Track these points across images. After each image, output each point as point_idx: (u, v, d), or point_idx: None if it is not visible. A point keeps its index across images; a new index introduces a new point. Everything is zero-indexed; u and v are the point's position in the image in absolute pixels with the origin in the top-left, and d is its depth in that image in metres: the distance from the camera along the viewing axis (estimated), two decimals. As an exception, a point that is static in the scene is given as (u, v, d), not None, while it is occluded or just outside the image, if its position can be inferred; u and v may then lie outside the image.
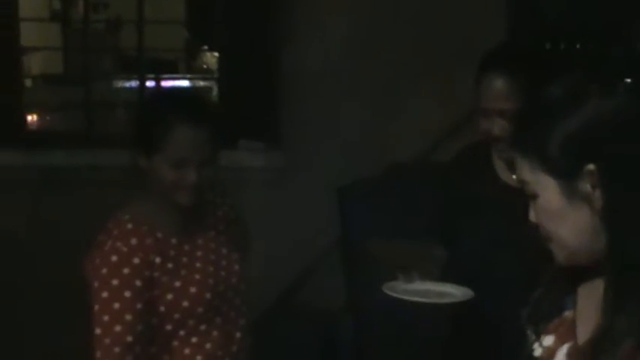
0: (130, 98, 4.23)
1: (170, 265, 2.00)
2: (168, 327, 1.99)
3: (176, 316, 1.99)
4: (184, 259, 2.03)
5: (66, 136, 4.10)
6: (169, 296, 1.98)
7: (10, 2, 3.86)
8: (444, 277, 2.08)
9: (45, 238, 3.70)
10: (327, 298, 3.50)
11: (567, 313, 1.26)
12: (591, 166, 1.16)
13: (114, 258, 1.95)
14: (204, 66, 5.63)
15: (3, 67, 3.84)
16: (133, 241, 1.97)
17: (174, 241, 2.03)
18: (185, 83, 5.30)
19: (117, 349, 1.91)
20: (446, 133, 3.46)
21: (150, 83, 4.18)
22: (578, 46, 4.02)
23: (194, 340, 2.02)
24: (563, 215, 1.20)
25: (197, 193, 1.99)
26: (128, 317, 1.92)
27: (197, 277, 2.03)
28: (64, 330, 3.38)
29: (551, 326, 1.26)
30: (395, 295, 2.00)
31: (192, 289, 2.01)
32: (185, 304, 1.99)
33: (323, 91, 3.71)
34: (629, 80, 2.09)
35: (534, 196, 1.23)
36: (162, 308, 1.98)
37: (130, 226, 1.99)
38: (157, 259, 1.98)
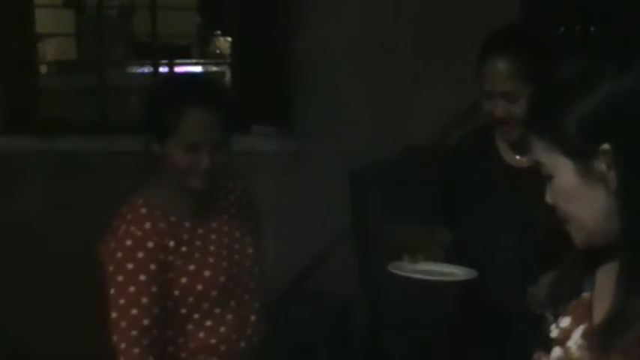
0: (143, 84, 4.24)
1: (184, 249, 2.01)
2: (183, 310, 2.00)
3: (190, 299, 2.00)
4: (198, 243, 2.04)
5: (80, 122, 4.12)
6: (183, 280, 1.99)
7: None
8: (448, 259, 2.11)
9: (59, 224, 3.72)
10: (341, 281, 3.51)
11: (585, 295, 1.25)
12: (606, 146, 1.15)
13: (128, 242, 1.96)
14: (217, 51, 5.61)
15: (19, 54, 3.86)
16: (147, 225, 1.98)
17: (187, 224, 2.04)
18: (198, 69, 5.30)
19: (134, 333, 1.92)
20: (459, 116, 3.45)
21: (163, 69, 4.18)
22: (592, 28, 4.00)
23: (208, 323, 2.03)
24: (579, 196, 1.19)
25: (209, 178, 1.99)
26: (144, 300, 1.93)
27: (211, 260, 2.04)
28: (79, 314, 3.41)
29: (569, 308, 1.26)
30: (400, 272, 2.03)
31: (207, 273, 2.02)
32: (199, 287, 2.00)
33: (336, 75, 3.70)
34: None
35: (550, 177, 1.22)
36: (176, 292, 1.99)
37: (143, 210, 2.00)
38: (171, 243, 1.99)
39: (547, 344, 1.25)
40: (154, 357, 1.93)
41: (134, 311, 1.92)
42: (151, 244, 1.96)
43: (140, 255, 1.95)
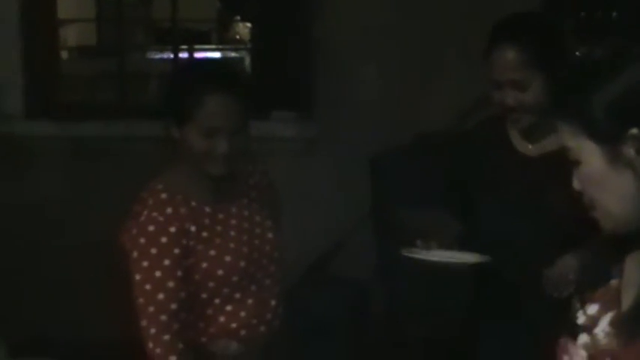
0: (163, 69, 4.25)
1: (205, 234, 2.01)
2: (204, 295, 2.01)
3: (211, 284, 2.00)
4: (219, 228, 2.04)
5: (100, 107, 4.13)
6: (204, 265, 1.99)
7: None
8: (461, 247, 2.12)
9: (79, 208, 3.74)
10: (358, 267, 3.51)
11: (613, 282, 1.24)
12: (635, 131, 1.14)
13: (151, 228, 1.96)
14: (237, 37, 5.61)
15: (41, 39, 3.87)
16: (169, 210, 1.98)
17: (208, 209, 2.04)
18: (218, 54, 5.30)
19: (163, 317, 1.92)
20: (478, 104, 3.42)
21: (183, 54, 4.18)
22: (614, 14, 3.95)
23: (229, 308, 2.03)
24: (606, 181, 1.18)
25: (228, 163, 1.99)
26: (170, 284, 1.94)
27: (231, 245, 2.03)
28: (98, 300, 3.43)
29: (597, 295, 1.25)
30: (414, 255, 2.05)
31: (227, 258, 2.01)
32: (220, 272, 2.00)
33: (355, 61, 3.69)
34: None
35: (577, 163, 1.21)
36: (197, 277, 1.99)
37: (164, 195, 2.00)
38: (192, 228, 1.99)
39: (573, 330, 1.25)
40: (182, 343, 1.93)
41: (161, 296, 1.92)
42: (173, 229, 1.96)
43: (164, 240, 1.95)
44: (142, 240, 1.96)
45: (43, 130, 3.82)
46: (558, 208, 1.99)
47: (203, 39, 5.35)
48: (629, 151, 1.15)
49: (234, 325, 2.03)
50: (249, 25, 4.50)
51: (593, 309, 1.24)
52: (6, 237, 3.73)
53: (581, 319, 1.25)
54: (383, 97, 3.69)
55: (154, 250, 1.94)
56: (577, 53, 2.00)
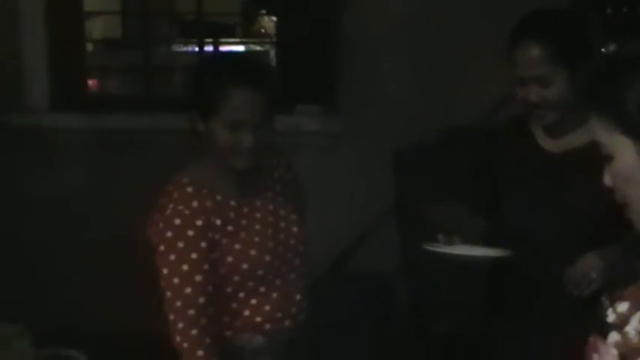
0: (188, 62, 4.25)
1: (230, 228, 2.01)
2: (228, 289, 2.01)
3: (236, 278, 2.00)
4: (244, 222, 2.04)
5: (125, 99, 4.14)
6: (229, 259, 1.99)
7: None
8: (485, 243, 2.11)
9: (104, 200, 3.75)
10: (382, 261, 3.50)
11: None
12: None
13: (177, 221, 1.96)
14: (262, 30, 5.61)
15: (67, 32, 3.89)
16: (194, 204, 1.98)
17: (233, 203, 2.04)
18: (243, 48, 5.29)
19: (191, 312, 1.92)
20: (504, 99, 3.39)
21: (208, 47, 4.18)
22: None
23: (253, 301, 2.03)
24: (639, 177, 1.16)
25: (253, 157, 1.98)
26: (198, 278, 1.93)
27: (256, 239, 2.03)
28: (123, 292, 3.45)
29: (627, 292, 1.23)
30: (437, 249, 2.05)
31: (252, 252, 2.02)
32: (245, 266, 2.00)
33: (380, 55, 3.67)
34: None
35: (609, 158, 1.20)
36: (222, 270, 1.99)
37: (190, 189, 2.00)
38: (218, 222, 1.99)
39: (603, 329, 1.23)
40: (210, 337, 1.93)
41: (189, 290, 1.92)
42: (199, 222, 1.96)
43: (190, 233, 1.95)
44: (169, 234, 1.96)
45: (69, 122, 3.84)
46: (582, 204, 1.98)
47: (228, 32, 5.35)
48: None
49: (258, 319, 2.03)
50: (274, 18, 4.49)
51: (623, 307, 1.22)
52: (32, 229, 3.76)
53: (611, 317, 1.23)
54: (408, 91, 3.67)
55: (180, 244, 1.94)
56: (603, 50, 1.98)
